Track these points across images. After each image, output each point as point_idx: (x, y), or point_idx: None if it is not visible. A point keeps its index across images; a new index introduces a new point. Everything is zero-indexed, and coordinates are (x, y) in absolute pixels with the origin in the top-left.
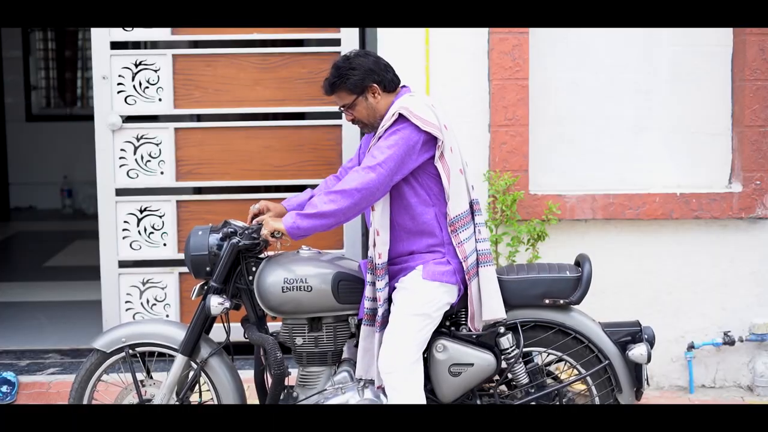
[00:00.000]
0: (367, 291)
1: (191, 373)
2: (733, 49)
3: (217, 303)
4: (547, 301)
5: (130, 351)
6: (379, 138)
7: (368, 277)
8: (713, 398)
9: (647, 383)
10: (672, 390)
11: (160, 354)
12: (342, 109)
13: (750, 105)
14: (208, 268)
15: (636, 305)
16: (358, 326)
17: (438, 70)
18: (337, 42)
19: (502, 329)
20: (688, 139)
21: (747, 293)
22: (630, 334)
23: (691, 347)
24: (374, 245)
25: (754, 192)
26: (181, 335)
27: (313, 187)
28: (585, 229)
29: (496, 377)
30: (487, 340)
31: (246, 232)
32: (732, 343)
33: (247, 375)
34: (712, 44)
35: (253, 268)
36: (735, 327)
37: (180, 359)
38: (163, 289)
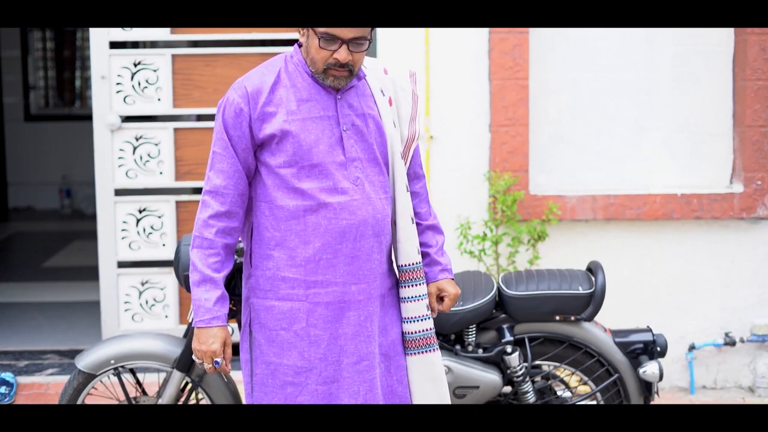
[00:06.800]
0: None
1: (188, 388)
2: (734, 49)
3: None
4: (558, 318)
5: (120, 368)
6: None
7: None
8: (714, 399)
9: (657, 395)
10: (673, 391)
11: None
12: (353, 44)
13: (751, 105)
14: None
15: (637, 306)
16: None
17: (438, 70)
18: None
19: (509, 348)
20: (689, 140)
21: (748, 294)
22: (642, 343)
23: (691, 348)
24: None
25: (755, 192)
26: (171, 350)
27: None
28: (585, 230)
29: (504, 392)
30: (494, 358)
31: (240, 245)
32: (733, 343)
33: None
34: (713, 44)
35: None
36: (736, 328)
37: (177, 376)
38: (162, 290)
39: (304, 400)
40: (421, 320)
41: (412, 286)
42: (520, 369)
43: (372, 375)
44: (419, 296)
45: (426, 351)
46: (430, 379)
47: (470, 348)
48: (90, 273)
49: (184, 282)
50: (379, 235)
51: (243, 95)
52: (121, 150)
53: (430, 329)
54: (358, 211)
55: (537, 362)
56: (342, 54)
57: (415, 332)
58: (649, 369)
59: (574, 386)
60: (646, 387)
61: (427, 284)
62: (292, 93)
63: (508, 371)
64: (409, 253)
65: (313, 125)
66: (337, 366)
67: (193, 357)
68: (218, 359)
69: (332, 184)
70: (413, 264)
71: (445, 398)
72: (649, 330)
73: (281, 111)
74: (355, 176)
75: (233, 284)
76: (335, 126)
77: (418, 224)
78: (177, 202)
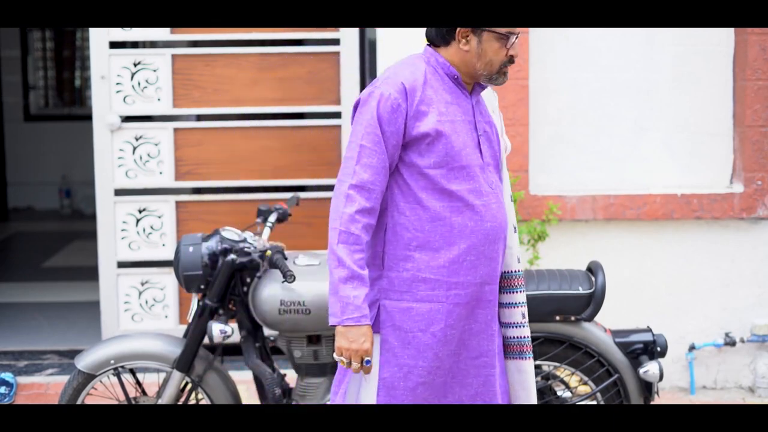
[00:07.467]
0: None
1: (188, 388)
2: (734, 49)
3: (219, 331)
4: (558, 318)
5: (120, 369)
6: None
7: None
8: (714, 399)
9: (657, 395)
10: (673, 391)
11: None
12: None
13: (751, 105)
14: (201, 286)
15: (637, 306)
16: None
17: None
18: (336, 41)
19: None
20: (689, 140)
21: (748, 294)
22: (642, 343)
23: (692, 348)
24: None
25: (755, 192)
26: (171, 350)
27: (310, 188)
28: (585, 230)
29: None
30: None
31: (240, 246)
32: (733, 343)
33: (246, 376)
34: (714, 44)
35: (248, 279)
36: (736, 328)
37: (177, 376)
38: (161, 290)
39: (427, 395)
40: (518, 327)
41: (512, 292)
42: None
43: (488, 372)
44: (517, 303)
45: (520, 358)
46: (523, 387)
47: None
48: (90, 273)
49: (183, 282)
50: (505, 238)
51: (401, 91)
52: (120, 150)
53: (526, 337)
54: (497, 214)
55: (537, 362)
56: (517, 49)
57: (512, 338)
58: (650, 369)
59: (574, 386)
60: (646, 387)
61: None
62: (439, 94)
63: None
64: (511, 261)
65: (460, 128)
66: (456, 359)
67: (335, 356)
68: (369, 358)
69: (477, 186)
70: (514, 272)
71: None
72: (649, 330)
73: (433, 111)
74: (491, 180)
75: (233, 284)
76: (473, 130)
77: None
78: (177, 202)
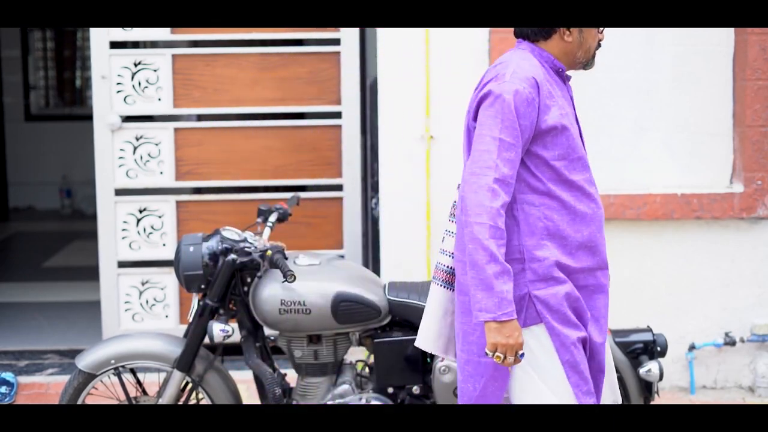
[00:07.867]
0: None
1: (188, 387)
2: (734, 49)
3: (219, 330)
4: None
5: (120, 368)
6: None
7: None
8: (714, 399)
9: (657, 395)
10: (673, 391)
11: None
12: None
13: (751, 105)
14: (202, 285)
15: (637, 306)
16: (359, 340)
17: (438, 70)
18: (336, 41)
19: None
20: (689, 139)
21: (748, 294)
22: (642, 343)
23: (691, 348)
24: None
25: (755, 192)
26: (172, 350)
27: (310, 188)
28: None
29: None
30: None
31: (240, 245)
32: (733, 343)
33: (246, 376)
34: (713, 44)
35: (248, 279)
36: (736, 327)
37: (177, 376)
38: (162, 289)
39: (586, 371)
40: None
41: None
42: None
43: (601, 356)
44: None
45: None
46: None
47: None
48: (90, 273)
49: (184, 282)
50: None
51: (533, 85)
52: (121, 150)
53: None
54: (602, 202)
55: None
56: (604, 32)
57: None
58: (650, 369)
59: None
60: (646, 387)
61: None
62: (554, 88)
63: None
64: None
65: (572, 120)
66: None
67: (487, 352)
68: (522, 351)
69: (590, 176)
70: None
71: (615, 387)
72: (649, 330)
73: (554, 105)
74: (591, 170)
75: (233, 284)
76: (575, 122)
77: None
78: (177, 202)
